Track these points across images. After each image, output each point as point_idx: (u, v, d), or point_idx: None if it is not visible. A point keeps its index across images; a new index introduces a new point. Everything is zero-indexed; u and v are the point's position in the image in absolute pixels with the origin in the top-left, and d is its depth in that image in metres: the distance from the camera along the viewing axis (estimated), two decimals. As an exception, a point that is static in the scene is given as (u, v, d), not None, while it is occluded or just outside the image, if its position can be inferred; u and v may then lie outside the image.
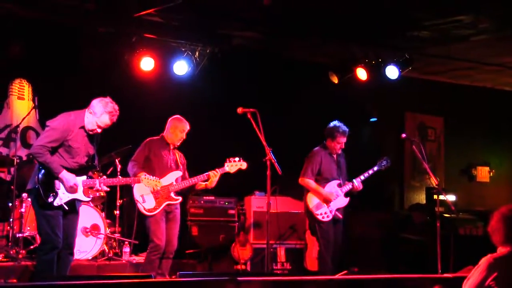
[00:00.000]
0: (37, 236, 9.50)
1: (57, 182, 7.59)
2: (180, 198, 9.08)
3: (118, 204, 10.57)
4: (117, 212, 10.57)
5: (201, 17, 11.00)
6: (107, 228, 10.25)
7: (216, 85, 12.15)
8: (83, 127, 7.75)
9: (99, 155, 9.85)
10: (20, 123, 10.38)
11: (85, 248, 9.94)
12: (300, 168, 9.86)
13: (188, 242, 11.14)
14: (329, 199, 9.67)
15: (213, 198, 11.50)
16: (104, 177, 8.54)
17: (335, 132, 9.71)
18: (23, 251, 9.57)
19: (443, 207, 10.94)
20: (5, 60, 10.95)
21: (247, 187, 11.65)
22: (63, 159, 7.65)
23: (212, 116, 12.02)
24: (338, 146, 9.77)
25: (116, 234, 10.49)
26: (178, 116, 9.26)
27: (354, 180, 9.75)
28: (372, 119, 13.98)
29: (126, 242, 10.40)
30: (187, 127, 9.19)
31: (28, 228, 9.72)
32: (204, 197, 11.45)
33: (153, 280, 7.12)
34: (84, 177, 7.78)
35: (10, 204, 9.80)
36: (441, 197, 10.17)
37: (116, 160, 10.37)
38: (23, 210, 9.75)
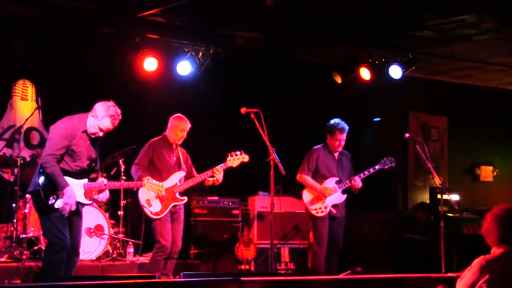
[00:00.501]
0: (41, 237, 9.52)
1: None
2: (185, 198, 9.09)
3: (122, 204, 10.58)
4: (121, 212, 10.58)
5: (204, 18, 11.00)
6: (111, 229, 10.26)
7: (219, 85, 12.15)
8: (85, 131, 7.74)
9: (103, 155, 9.90)
10: (24, 123, 10.41)
11: (89, 248, 9.95)
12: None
13: (192, 242, 11.14)
14: (324, 194, 9.70)
15: (217, 198, 11.50)
16: (106, 180, 8.52)
17: (333, 129, 9.77)
18: (27, 252, 9.59)
19: (446, 206, 10.93)
20: (8, 61, 10.96)
21: (251, 187, 11.65)
22: (65, 163, 7.65)
23: (216, 116, 12.03)
24: (337, 143, 9.80)
25: (120, 235, 10.50)
26: (178, 114, 9.26)
27: (352, 178, 9.76)
28: (375, 119, 13.97)
29: (130, 243, 10.41)
30: (187, 126, 9.19)
31: (32, 228, 9.73)
32: (208, 197, 11.46)
33: (157, 280, 7.13)
34: (85, 180, 7.77)
35: (14, 205, 9.82)
36: (445, 196, 10.15)
37: (120, 161, 10.38)
38: (26, 210, 9.77)
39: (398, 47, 12.18)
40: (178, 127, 9.15)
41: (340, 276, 8.08)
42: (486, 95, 15.15)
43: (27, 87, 11.41)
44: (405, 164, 14.62)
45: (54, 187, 7.56)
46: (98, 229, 10.08)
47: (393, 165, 9.90)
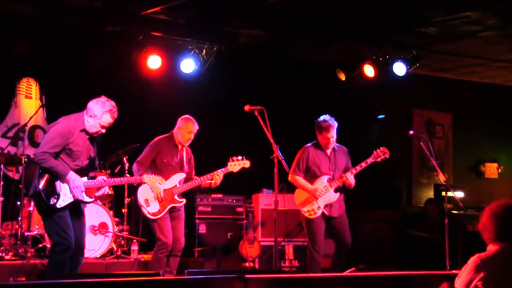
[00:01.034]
0: (46, 235, 9.52)
1: (57, 184, 7.58)
2: (184, 200, 9.08)
3: (126, 202, 10.59)
4: (125, 210, 10.58)
5: (208, 15, 10.99)
6: (115, 227, 10.27)
7: (223, 83, 12.15)
8: (84, 130, 7.72)
9: (107, 153, 9.92)
10: (28, 122, 10.41)
11: (94, 246, 9.96)
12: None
13: (196, 240, 11.15)
14: (314, 195, 9.40)
15: (221, 196, 11.50)
16: (106, 177, 8.53)
17: (320, 128, 9.48)
18: (32, 250, 9.60)
19: (451, 203, 10.91)
20: (12, 59, 10.98)
21: (254, 184, 11.65)
22: (64, 162, 7.64)
23: (219, 113, 12.02)
24: (325, 141, 9.48)
25: (124, 232, 10.50)
26: (187, 116, 9.22)
27: (343, 175, 9.44)
28: (379, 116, 13.96)
29: (134, 240, 10.41)
30: (195, 128, 9.15)
31: (37, 226, 9.74)
32: (212, 195, 11.46)
33: (161, 278, 7.13)
34: (85, 179, 7.76)
35: (18, 203, 9.83)
36: (449, 193, 10.15)
37: (124, 158, 10.39)
38: (31, 208, 9.78)
39: (402, 44, 12.16)
40: (185, 129, 9.11)
41: (344, 273, 8.09)
42: (491, 92, 15.12)
43: (31, 85, 11.42)
44: (410, 161, 14.61)
45: (54, 188, 7.56)
46: (103, 227, 10.09)
47: (387, 157, 9.52)
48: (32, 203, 9.66)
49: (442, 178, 9.56)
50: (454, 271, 7.54)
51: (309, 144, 9.65)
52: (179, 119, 9.22)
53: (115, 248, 10.28)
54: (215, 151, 9.50)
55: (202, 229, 11.31)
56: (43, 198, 7.53)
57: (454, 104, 14.94)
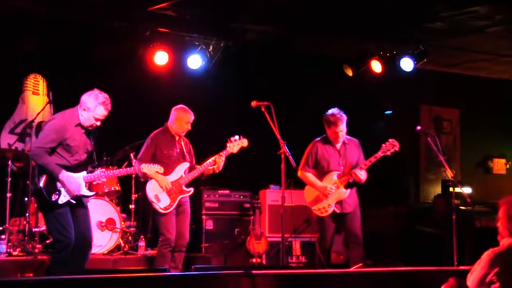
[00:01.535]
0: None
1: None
2: (191, 190, 9.08)
3: (133, 198, 10.59)
4: (132, 206, 10.59)
5: (215, 11, 10.98)
6: (123, 222, 10.27)
7: (230, 79, 12.15)
8: (79, 124, 7.72)
9: (114, 149, 9.92)
10: (35, 118, 10.44)
11: (101, 242, 9.97)
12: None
13: (203, 236, 11.16)
14: (324, 193, 9.23)
15: (228, 192, 11.51)
16: (104, 169, 8.54)
17: (327, 122, 9.31)
18: (39, 246, 9.60)
19: (459, 199, 10.88)
20: (20, 56, 11.00)
21: (262, 180, 11.66)
22: (63, 158, 7.65)
23: (226, 109, 12.02)
24: (334, 135, 9.29)
25: (131, 228, 10.51)
26: (182, 106, 9.22)
27: (352, 171, 9.23)
28: (387, 112, 13.93)
29: (142, 236, 10.42)
30: (191, 117, 9.16)
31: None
32: (219, 191, 11.47)
33: (169, 274, 7.14)
34: (84, 173, 7.77)
35: (26, 199, 9.85)
36: (457, 189, 10.11)
37: (131, 154, 10.39)
38: (38, 205, 9.79)
39: (409, 39, 12.13)
40: (184, 119, 9.12)
41: (352, 269, 8.08)
42: (499, 88, 15.07)
43: (38, 81, 11.44)
44: (417, 157, 14.58)
45: (55, 184, 7.58)
46: (110, 222, 10.09)
47: (396, 149, 9.31)
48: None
49: (449, 173, 9.50)
50: (461, 267, 7.55)
51: (318, 139, 9.49)
52: (173, 110, 9.21)
53: (123, 244, 10.28)
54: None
55: (209, 225, 11.32)
56: (45, 194, 7.54)
57: (462, 99, 14.90)
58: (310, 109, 12.56)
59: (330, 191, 9.20)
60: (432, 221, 12.51)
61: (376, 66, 12.22)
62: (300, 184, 10.78)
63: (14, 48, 10.87)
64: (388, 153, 9.30)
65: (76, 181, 7.63)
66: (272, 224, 11.35)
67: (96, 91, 7.77)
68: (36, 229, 9.72)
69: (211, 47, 11.61)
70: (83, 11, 10.85)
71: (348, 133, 9.48)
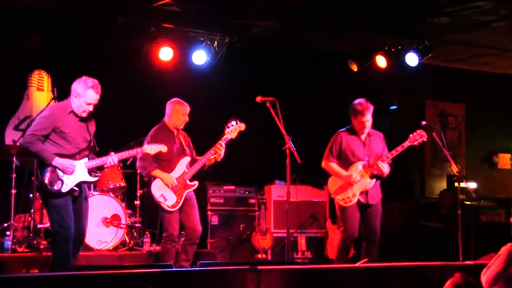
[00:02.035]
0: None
1: (59, 171, 7.61)
2: (196, 183, 9.05)
3: (138, 194, 10.59)
4: (137, 202, 10.58)
5: (220, 7, 10.97)
6: (128, 218, 10.27)
7: (235, 75, 12.14)
8: (72, 112, 7.75)
9: (119, 145, 9.91)
10: (40, 114, 10.44)
11: (106, 238, 9.97)
12: (320, 156, 9.53)
13: (209, 232, 11.16)
14: (349, 182, 9.09)
15: (233, 187, 11.51)
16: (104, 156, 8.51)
17: (355, 111, 9.20)
18: (44, 242, 9.60)
19: (464, 194, 10.87)
20: (24, 52, 10.99)
21: (267, 176, 11.65)
22: (61, 147, 7.67)
23: (231, 105, 12.00)
24: (360, 125, 9.18)
25: (136, 224, 10.51)
26: (177, 99, 9.18)
27: (376, 163, 9.11)
28: (392, 107, 13.91)
29: (147, 232, 10.42)
30: (188, 108, 9.11)
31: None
32: (224, 187, 11.47)
33: (173, 269, 7.14)
34: (86, 159, 7.79)
35: (31, 195, 9.85)
36: (462, 184, 10.10)
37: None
38: (43, 201, 9.79)
39: (414, 35, 12.12)
40: (181, 111, 9.09)
41: (357, 264, 8.08)
42: (504, 82, 15.05)
43: (43, 77, 11.44)
44: (422, 152, 14.57)
45: (56, 174, 7.59)
46: (115, 218, 10.09)
47: (424, 140, 9.21)
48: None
49: (455, 169, 9.48)
50: (467, 262, 7.54)
51: (343, 129, 9.36)
52: (169, 104, 9.16)
53: (128, 240, 10.28)
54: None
55: (215, 220, 11.32)
56: (47, 185, 7.56)
57: (467, 94, 14.87)
58: (315, 104, 12.57)
59: (356, 179, 9.09)
60: (438, 216, 12.50)
61: (381, 61, 12.21)
62: (305, 180, 10.81)
63: (18, 44, 10.87)
64: (416, 143, 9.21)
65: (73, 165, 7.65)
66: (277, 219, 11.35)
67: (84, 77, 7.82)
68: (41, 226, 9.72)
69: (216, 42, 11.61)
70: (87, 7, 10.86)
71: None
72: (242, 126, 9.05)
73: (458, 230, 9.10)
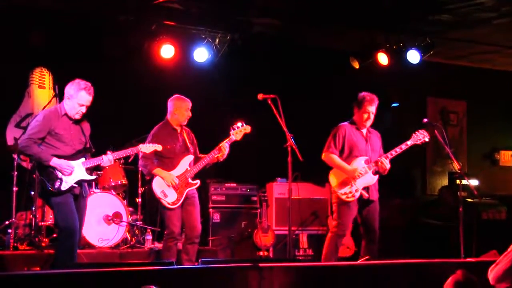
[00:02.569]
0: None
1: (57, 171, 7.70)
2: (198, 182, 9.04)
3: (140, 192, 10.59)
4: (139, 200, 10.59)
5: (221, 4, 10.97)
6: (129, 216, 10.28)
7: (236, 72, 12.14)
8: (65, 114, 7.86)
9: (121, 143, 9.91)
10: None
11: (108, 236, 9.97)
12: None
13: (210, 229, 11.16)
14: (353, 176, 8.93)
15: (235, 185, 11.51)
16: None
17: (362, 100, 9.07)
18: (46, 240, 9.62)
19: (465, 191, 10.86)
20: (25, 49, 10.99)
21: (268, 173, 11.65)
22: (58, 149, 7.78)
23: (233, 102, 12.01)
24: (365, 116, 9.06)
25: (138, 222, 10.51)
26: (178, 95, 9.18)
27: (379, 160, 9.02)
28: (393, 105, 13.91)
29: (148, 230, 10.42)
30: (189, 104, 9.11)
31: (51, 216, 9.74)
32: (226, 184, 11.47)
33: (175, 267, 7.14)
34: (83, 159, 7.88)
35: (32, 193, 9.85)
36: (464, 181, 10.09)
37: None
38: (45, 198, 9.79)
39: (416, 32, 12.11)
40: (183, 107, 9.08)
41: (358, 262, 8.08)
42: (506, 79, 15.04)
43: (44, 75, 11.44)
44: (424, 149, 14.55)
45: (55, 173, 7.67)
46: (117, 216, 10.09)
47: (427, 140, 9.17)
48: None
49: (456, 166, 9.46)
50: (468, 259, 7.54)
51: (344, 123, 9.22)
52: (170, 101, 9.16)
53: (129, 238, 10.29)
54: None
55: (216, 218, 11.32)
56: (47, 183, 7.65)
57: (469, 91, 14.86)
58: (316, 101, 12.56)
59: (360, 174, 8.94)
60: (439, 213, 12.50)
61: (382, 58, 12.20)
62: (307, 177, 10.79)
63: (20, 41, 10.86)
64: (419, 142, 9.13)
65: (71, 166, 7.74)
66: (279, 217, 11.35)
67: (77, 80, 7.94)
68: (42, 223, 9.73)
69: (217, 40, 11.60)
70: (89, 4, 10.85)
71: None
72: (248, 128, 9.06)
73: (460, 228, 9.09)
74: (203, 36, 11.55)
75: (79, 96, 7.81)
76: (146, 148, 8.46)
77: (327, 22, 11.83)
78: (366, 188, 9.04)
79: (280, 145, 8.75)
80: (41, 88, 11.39)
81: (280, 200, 11.33)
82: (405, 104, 13.92)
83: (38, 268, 8.89)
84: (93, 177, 8.18)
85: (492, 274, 5.24)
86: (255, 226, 11.17)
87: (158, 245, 10.17)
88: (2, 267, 8.74)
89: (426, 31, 12.05)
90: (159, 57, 11.31)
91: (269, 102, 8.69)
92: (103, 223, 9.96)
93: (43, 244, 9.44)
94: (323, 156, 9.14)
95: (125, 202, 10.30)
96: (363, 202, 9.07)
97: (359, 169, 8.96)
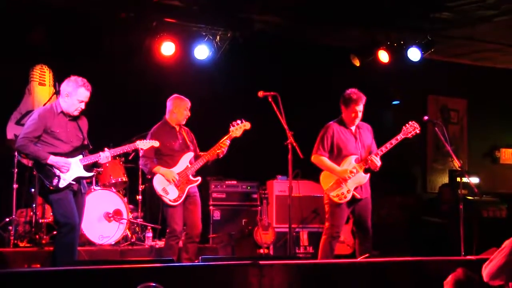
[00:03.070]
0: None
1: (55, 168, 7.73)
2: (199, 179, 9.04)
3: (140, 189, 10.59)
4: (139, 197, 10.59)
5: (222, 1, 10.96)
6: (130, 213, 10.27)
7: (237, 69, 12.14)
8: (62, 112, 7.88)
9: (121, 141, 9.91)
10: (41, 109, 10.44)
11: (108, 233, 9.97)
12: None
13: (211, 227, 11.17)
14: (344, 177, 8.74)
15: (235, 182, 11.51)
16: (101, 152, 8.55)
17: (348, 99, 8.90)
18: (46, 237, 9.62)
19: (466, 189, 10.86)
20: (26, 46, 10.99)
21: (269, 171, 11.65)
22: (54, 146, 7.81)
23: (233, 100, 12.00)
24: (352, 115, 8.85)
25: (138, 219, 10.51)
26: (177, 95, 9.20)
27: (369, 158, 8.83)
28: (394, 102, 13.91)
29: (149, 227, 10.42)
30: (189, 103, 9.13)
31: (51, 213, 9.74)
32: (226, 182, 11.47)
33: (176, 264, 7.14)
34: (80, 156, 7.91)
35: (33, 190, 9.85)
36: (464, 179, 10.08)
37: (138, 145, 10.38)
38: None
39: (417, 29, 12.10)
40: (183, 106, 9.09)
41: (359, 259, 8.07)
42: (506, 77, 15.03)
43: (45, 72, 11.44)
44: (424, 147, 14.57)
45: (52, 171, 7.69)
46: (117, 213, 10.10)
47: (417, 132, 8.98)
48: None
49: (457, 164, 9.42)
50: (469, 257, 7.53)
51: (332, 122, 9.05)
52: (169, 100, 9.17)
53: (130, 235, 10.29)
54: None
55: (217, 215, 11.32)
56: (45, 181, 7.68)
57: (469, 89, 14.86)
58: (317, 99, 12.56)
59: (351, 175, 8.77)
60: (439, 211, 12.50)
61: (383, 56, 12.20)
62: (307, 175, 10.77)
63: (20, 38, 10.86)
64: (410, 135, 8.97)
65: (68, 163, 7.76)
66: (279, 214, 11.36)
67: (73, 77, 7.97)
68: (43, 220, 9.73)
69: (218, 37, 11.60)
70: (89, 1, 10.85)
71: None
72: (248, 125, 9.05)
73: (460, 225, 9.08)
74: (204, 34, 11.55)
75: (78, 93, 7.83)
76: (144, 144, 8.46)
77: (328, 20, 11.83)
78: (359, 187, 8.89)
79: (281, 142, 8.73)
80: (41, 85, 11.39)
81: (281, 197, 11.34)
82: (406, 101, 13.92)
83: (38, 265, 8.90)
84: (91, 174, 8.22)
85: (486, 270, 5.20)
86: (256, 223, 11.17)
87: (159, 243, 10.18)
88: (2, 264, 8.74)
89: (427, 29, 12.04)
90: (159, 55, 11.31)
91: (270, 99, 8.68)
92: (103, 221, 9.96)
93: (43, 241, 9.43)
94: (313, 158, 8.98)
95: (125, 199, 10.30)
96: (353, 200, 8.89)
97: (349, 169, 8.80)
